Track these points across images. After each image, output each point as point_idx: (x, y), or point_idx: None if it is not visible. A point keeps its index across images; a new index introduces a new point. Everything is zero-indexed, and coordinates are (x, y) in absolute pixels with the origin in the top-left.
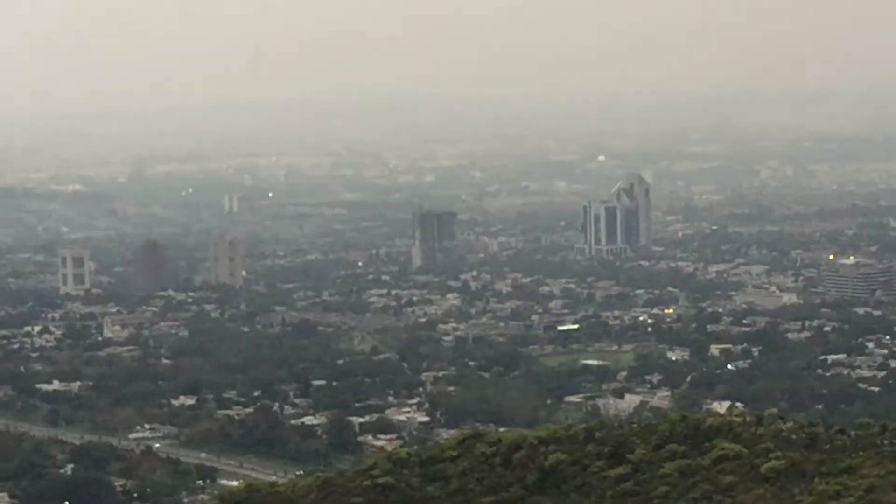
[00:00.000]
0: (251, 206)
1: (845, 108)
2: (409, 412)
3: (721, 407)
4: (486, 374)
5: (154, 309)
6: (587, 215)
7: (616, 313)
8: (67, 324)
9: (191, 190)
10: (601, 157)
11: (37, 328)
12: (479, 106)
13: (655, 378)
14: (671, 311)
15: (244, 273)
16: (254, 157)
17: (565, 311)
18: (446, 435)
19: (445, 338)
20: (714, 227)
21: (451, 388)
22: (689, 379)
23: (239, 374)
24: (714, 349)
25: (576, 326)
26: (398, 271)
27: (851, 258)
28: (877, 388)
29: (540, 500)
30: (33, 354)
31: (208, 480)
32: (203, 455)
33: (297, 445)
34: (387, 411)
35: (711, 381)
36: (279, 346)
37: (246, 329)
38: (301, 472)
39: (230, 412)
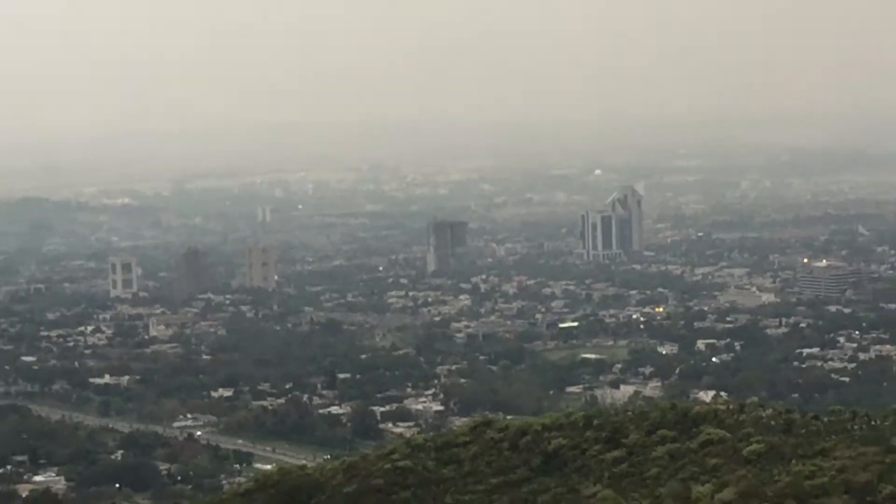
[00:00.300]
0: (282, 216)
1: (818, 126)
2: (425, 402)
3: (707, 396)
4: (495, 368)
5: (195, 310)
6: (585, 224)
7: (612, 312)
8: (117, 324)
9: (227, 203)
10: (598, 171)
11: (89, 328)
12: (486, 126)
13: (647, 370)
14: (661, 309)
15: (276, 277)
16: (284, 172)
17: (566, 310)
18: (459, 422)
19: (458, 335)
20: (700, 234)
21: (463, 380)
22: (677, 371)
23: (272, 368)
24: (700, 344)
25: (575, 324)
26: (415, 275)
27: (824, 261)
28: (847, 379)
29: (544, 480)
30: (86, 351)
31: (244, 464)
32: (240, 441)
33: (324, 432)
34: (405, 401)
35: (698, 373)
36: (308, 343)
37: (278, 328)
38: (328, 456)
39: (264, 403)
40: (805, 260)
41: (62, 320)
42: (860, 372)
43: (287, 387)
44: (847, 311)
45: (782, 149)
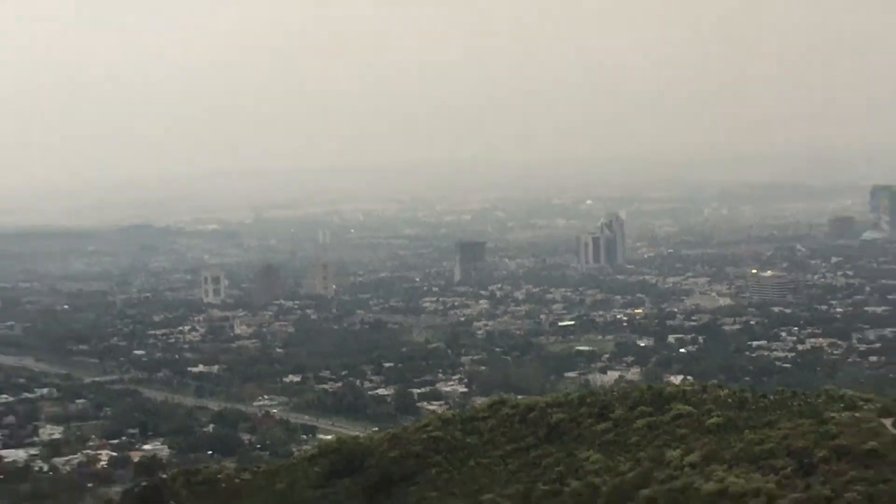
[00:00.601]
0: (338, 239)
1: (764, 164)
2: (452, 385)
3: (676, 380)
4: (508, 358)
5: (270, 313)
6: (579, 243)
7: (600, 313)
8: (208, 324)
9: (295, 229)
10: (588, 202)
11: (186, 328)
12: (498, 166)
13: (629, 359)
14: (640, 311)
15: (334, 287)
16: (340, 204)
17: (564, 311)
18: (479, 401)
19: (478, 332)
20: (670, 251)
21: (483, 368)
22: (653, 359)
23: (331, 359)
24: (671, 338)
25: (572, 323)
26: (444, 284)
27: (769, 272)
28: (789, 365)
29: (547, 447)
30: (184, 346)
31: (310, 435)
32: (306, 417)
33: (372, 409)
34: (437, 385)
35: (669, 361)
36: (359, 338)
37: (335, 327)
38: (376, 428)
39: (325, 386)
40: (754, 271)
41: (165, 322)
42: (798, 360)
43: (343, 373)
44: (788, 311)
45: (736, 183)
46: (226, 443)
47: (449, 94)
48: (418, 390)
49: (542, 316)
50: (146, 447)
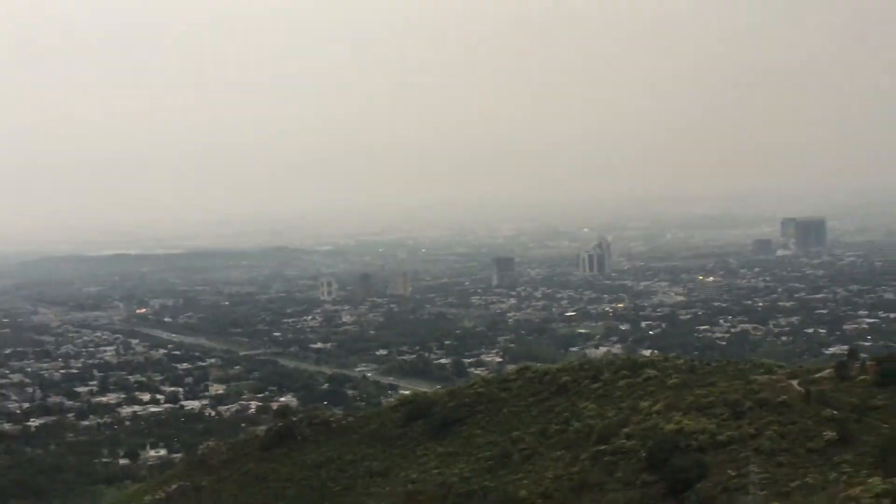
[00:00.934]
0: (413, 255)
1: (709, 202)
2: (492, 356)
3: (647, 352)
4: (530, 338)
5: (366, 307)
6: (579, 258)
7: (594, 307)
8: (324, 315)
9: (382, 248)
10: (586, 229)
11: (309, 317)
12: (523, 205)
13: (614, 338)
14: (621, 305)
15: (410, 289)
16: (413, 231)
17: (569, 305)
18: (510, 368)
19: (509, 320)
20: (642, 264)
21: (513, 345)
22: (630, 339)
23: (408, 338)
24: (643, 324)
25: (574, 313)
26: (485, 287)
27: (711, 278)
28: (724, 343)
29: (558, 400)
30: (307, 330)
31: (393, 391)
32: (391, 378)
33: (438, 374)
34: (481, 356)
35: (642, 340)
36: (428, 325)
37: (411, 317)
38: (439, 387)
39: (404, 357)
40: (700, 277)
41: (294, 313)
42: (731, 339)
43: (416, 348)
44: (724, 305)
45: (689, 216)
46: (336, 396)
47: (477, 144)
48: (468, 360)
49: (554, 309)
50: (281, 399)
